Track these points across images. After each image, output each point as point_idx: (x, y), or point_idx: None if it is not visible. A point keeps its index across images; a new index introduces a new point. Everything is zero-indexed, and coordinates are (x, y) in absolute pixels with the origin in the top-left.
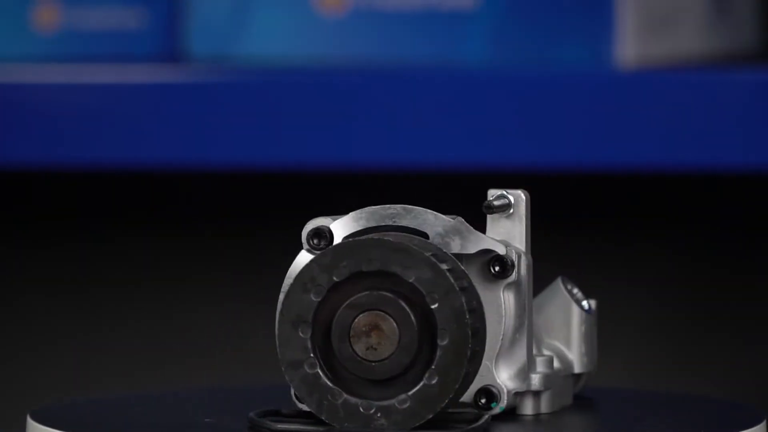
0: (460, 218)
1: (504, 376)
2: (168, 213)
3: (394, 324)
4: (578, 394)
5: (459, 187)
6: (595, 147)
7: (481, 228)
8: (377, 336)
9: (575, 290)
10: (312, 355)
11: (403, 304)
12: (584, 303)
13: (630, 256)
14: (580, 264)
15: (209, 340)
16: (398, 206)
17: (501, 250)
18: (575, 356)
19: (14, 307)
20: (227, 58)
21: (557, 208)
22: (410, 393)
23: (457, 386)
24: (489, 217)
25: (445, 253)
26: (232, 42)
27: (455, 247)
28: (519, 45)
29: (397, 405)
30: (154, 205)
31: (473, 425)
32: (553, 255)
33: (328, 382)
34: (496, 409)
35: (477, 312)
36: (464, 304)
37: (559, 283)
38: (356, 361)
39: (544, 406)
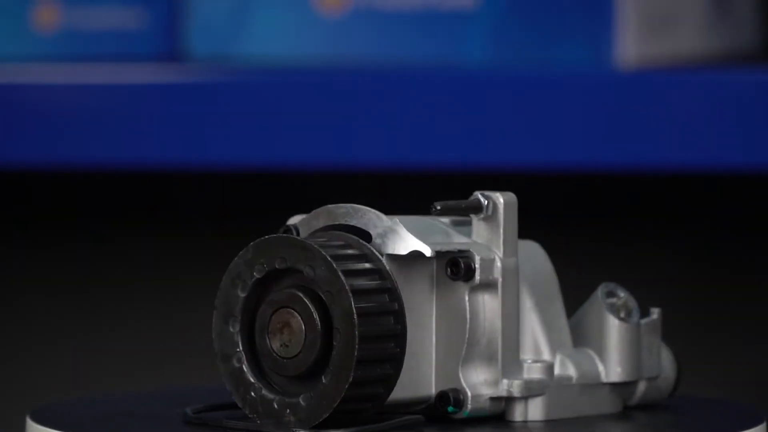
0: (396, 219)
1: (475, 380)
2: (168, 213)
3: (301, 322)
4: (643, 405)
5: (459, 187)
6: (595, 147)
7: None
8: (288, 333)
9: (619, 299)
10: (239, 349)
11: (308, 302)
12: (626, 312)
13: (630, 256)
14: (581, 264)
15: (209, 340)
16: (348, 205)
17: (427, 252)
18: (608, 366)
19: (14, 307)
20: (227, 58)
21: (557, 208)
22: (312, 391)
23: (347, 386)
24: (473, 218)
25: (373, 253)
26: (232, 42)
27: (390, 247)
28: (519, 45)
29: (302, 402)
30: (154, 205)
31: (365, 426)
32: (553, 255)
33: (251, 377)
34: (460, 414)
35: (394, 314)
36: (352, 305)
37: (597, 291)
38: (272, 357)
39: (536, 413)
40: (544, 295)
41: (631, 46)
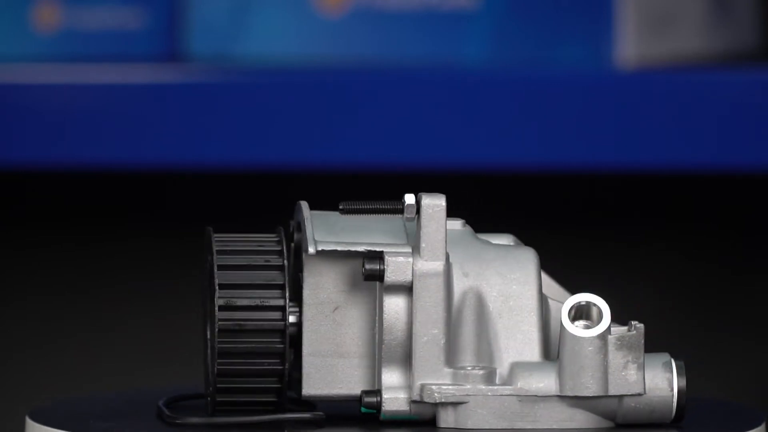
0: (321, 214)
1: (395, 383)
2: (168, 213)
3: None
4: (638, 424)
5: (459, 187)
6: (595, 147)
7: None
8: (210, 324)
9: (585, 309)
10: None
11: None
12: (588, 324)
13: (630, 256)
14: (581, 264)
15: None
16: (300, 201)
17: (311, 249)
18: (562, 378)
19: (14, 307)
20: (227, 58)
21: (557, 208)
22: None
23: (216, 378)
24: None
25: (282, 250)
26: (232, 42)
27: (304, 246)
28: (519, 45)
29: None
30: (154, 205)
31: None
32: (553, 255)
33: (208, 370)
34: (379, 415)
35: (280, 309)
36: (215, 299)
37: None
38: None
39: (465, 421)
40: (516, 304)
41: (631, 46)
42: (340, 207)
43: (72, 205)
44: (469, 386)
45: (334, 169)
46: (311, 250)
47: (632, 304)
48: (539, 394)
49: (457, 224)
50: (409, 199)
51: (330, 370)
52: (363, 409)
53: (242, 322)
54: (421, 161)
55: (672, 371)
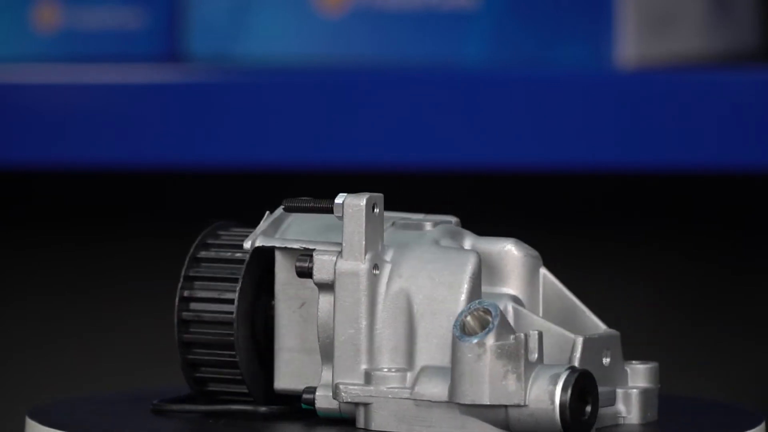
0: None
1: (329, 380)
2: (168, 213)
3: None
4: None
5: (459, 187)
6: (595, 147)
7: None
8: None
9: (477, 316)
10: None
11: None
12: (473, 331)
13: (630, 256)
14: (581, 264)
15: None
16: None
17: (246, 245)
18: (451, 385)
19: (14, 306)
20: (227, 58)
21: (557, 208)
22: None
23: (182, 367)
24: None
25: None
26: (232, 42)
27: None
28: (519, 45)
29: None
30: (154, 205)
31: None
32: (553, 255)
33: None
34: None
35: (226, 302)
36: (177, 292)
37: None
38: None
39: (377, 422)
40: (439, 307)
41: (631, 46)
42: (283, 205)
43: (72, 205)
44: (372, 387)
45: (334, 169)
46: (245, 245)
47: (632, 304)
48: (432, 399)
49: (444, 223)
50: (338, 198)
51: (298, 365)
52: (303, 406)
53: (200, 314)
54: (421, 161)
55: (557, 384)
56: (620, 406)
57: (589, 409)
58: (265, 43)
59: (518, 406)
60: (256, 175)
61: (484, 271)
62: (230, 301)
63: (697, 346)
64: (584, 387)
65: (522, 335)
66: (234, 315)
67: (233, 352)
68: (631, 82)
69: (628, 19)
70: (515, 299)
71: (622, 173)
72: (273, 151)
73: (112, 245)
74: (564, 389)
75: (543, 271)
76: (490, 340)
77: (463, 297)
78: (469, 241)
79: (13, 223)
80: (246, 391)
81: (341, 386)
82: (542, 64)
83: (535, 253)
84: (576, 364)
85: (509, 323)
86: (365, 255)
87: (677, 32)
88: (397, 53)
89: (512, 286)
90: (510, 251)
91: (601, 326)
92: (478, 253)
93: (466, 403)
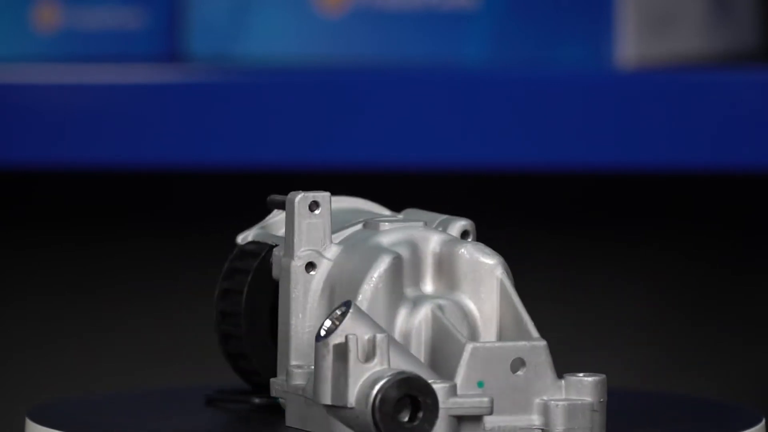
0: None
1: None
2: (168, 213)
3: None
4: None
5: (459, 187)
6: (595, 147)
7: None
8: None
9: (336, 316)
10: None
11: None
12: (325, 331)
13: (630, 256)
14: (581, 264)
15: (209, 339)
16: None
17: (239, 239)
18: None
19: (14, 307)
20: (227, 58)
21: (557, 208)
22: None
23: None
24: None
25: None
26: (232, 42)
27: None
28: (519, 45)
29: None
30: (154, 205)
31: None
32: (554, 255)
33: None
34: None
35: (238, 293)
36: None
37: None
38: None
39: (287, 419)
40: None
41: (631, 46)
42: (267, 200)
43: (72, 205)
44: (283, 384)
45: (334, 169)
46: (238, 239)
47: (632, 304)
48: (308, 397)
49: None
50: (291, 196)
51: (281, 356)
52: (277, 400)
53: (224, 308)
54: (421, 161)
55: (373, 387)
56: (534, 417)
57: (421, 415)
58: (265, 43)
59: (349, 408)
60: (256, 175)
61: (440, 273)
62: (240, 294)
63: (697, 346)
64: (411, 392)
65: (355, 337)
66: (238, 308)
67: (239, 343)
68: (631, 82)
69: (628, 19)
70: (456, 304)
71: (622, 173)
72: (273, 151)
73: (112, 245)
74: (378, 393)
75: (499, 276)
76: (331, 342)
77: (360, 297)
78: (428, 243)
79: (13, 223)
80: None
81: (272, 381)
82: (542, 64)
83: (493, 259)
84: (461, 370)
85: (365, 325)
86: (296, 253)
87: (677, 32)
88: (397, 53)
89: (465, 290)
90: (463, 255)
91: (534, 334)
92: (396, 254)
93: (315, 401)
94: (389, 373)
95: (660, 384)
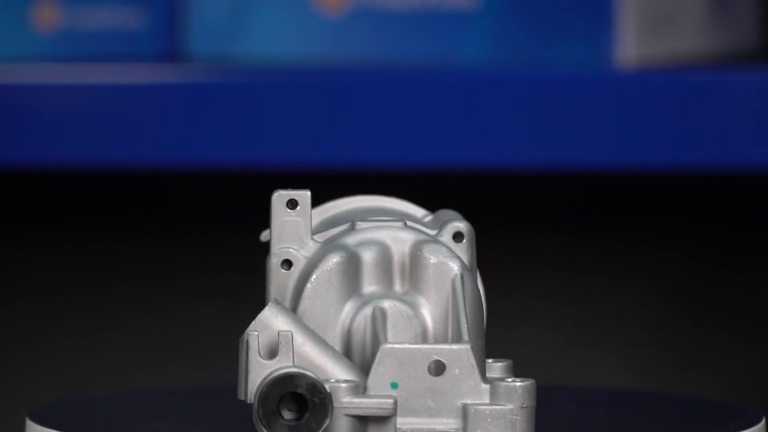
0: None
1: None
2: (168, 213)
3: None
4: None
5: (459, 187)
6: (595, 147)
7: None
8: None
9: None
10: None
11: None
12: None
13: (630, 256)
14: (581, 264)
15: (209, 339)
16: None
17: (262, 238)
18: None
19: (14, 307)
20: (227, 58)
21: (557, 208)
22: None
23: None
24: None
25: None
26: (232, 42)
27: None
28: (519, 45)
29: None
30: (154, 205)
31: None
32: (554, 255)
33: None
34: None
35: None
36: None
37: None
38: None
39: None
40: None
41: (631, 46)
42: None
43: (72, 205)
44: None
45: (334, 169)
46: (262, 237)
47: (632, 304)
48: None
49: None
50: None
51: None
52: None
53: None
54: (421, 161)
55: (259, 383)
56: (453, 421)
57: (307, 413)
58: (265, 43)
59: (249, 404)
60: (256, 175)
61: (404, 274)
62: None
63: (697, 346)
64: (297, 390)
65: (255, 333)
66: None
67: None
68: (631, 82)
69: (628, 19)
70: (407, 306)
71: (622, 173)
72: (273, 151)
73: (112, 245)
74: (261, 389)
75: (452, 278)
76: (244, 338)
77: (303, 295)
78: (399, 243)
79: (13, 223)
80: None
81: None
82: (542, 64)
83: (449, 261)
84: (373, 371)
85: (281, 322)
86: (272, 250)
87: (677, 32)
88: (397, 53)
89: (423, 292)
90: (423, 257)
91: (464, 337)
92: (345, 254)
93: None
94: (280, 371)
95: (660, 384)
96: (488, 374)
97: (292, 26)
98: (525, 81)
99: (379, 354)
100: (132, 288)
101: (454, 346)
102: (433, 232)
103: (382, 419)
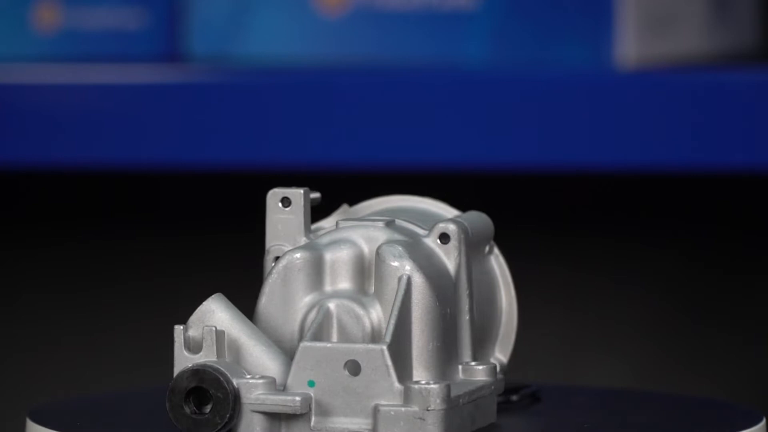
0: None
1: None
2: (167, 213)
3: None
4: None
5: (459, 187)
6: (594, 147)
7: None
8: None
9: None
10: None
11: None
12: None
13: (630, 256)
14: (581, 264)
15: None
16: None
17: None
18: None
19: (14, 307)
20: (227, 58)
21: (557, 208)
22: None
23: None
24: None
25: None
26: (232, 42)
27: None
28: (519, 45)
29: None
30: (154, 205)
31: None
32: (554, 255)
33: None
34: None
35: None
36: None
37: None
38: None
39: None
40: None
41: (631, 46)
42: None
43: (72, 205)
44: None
45: (334, 169)
46: None
47: (632, 304)
48: None
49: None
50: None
51: None
52: None
53: None
54: (421, 161)
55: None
56: (367, 421)
57: (210, 408)
58: (265, 43)
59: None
60: (256, 175)
61: (364, 273)
62: None
63: (697, 346)
64: (202, 385)
65: (180, 328)
66: None
67: None
68: (631, 82)
69: (628, 19)
70: (359, 305)
71: (622, 173)
72: (273, 150)
73: (111, 245)
74: (171, 383)
75: (398, 279)
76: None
77: (261, 294)
78: (370, 243)
79: (13, 223)
80: None
81: None
82: (542, 64)
83: (396, 262)
84: (292, 369)
85: (209, 318)
86: (266, 247)
87: (677, 32)
88: (397, 53)
89: (377, 292)
90: (379, 257)
91: (387, 339)
92: (305, 253)
93: None
94: (193, 365)
95: (660, 384)
96: (468, 377)
97: (292, 26)
98: (525, 81)
99: (297, 352)
100: (132, 288)
101: (370, 347)
102: (423, 233)
103: (296, 417)
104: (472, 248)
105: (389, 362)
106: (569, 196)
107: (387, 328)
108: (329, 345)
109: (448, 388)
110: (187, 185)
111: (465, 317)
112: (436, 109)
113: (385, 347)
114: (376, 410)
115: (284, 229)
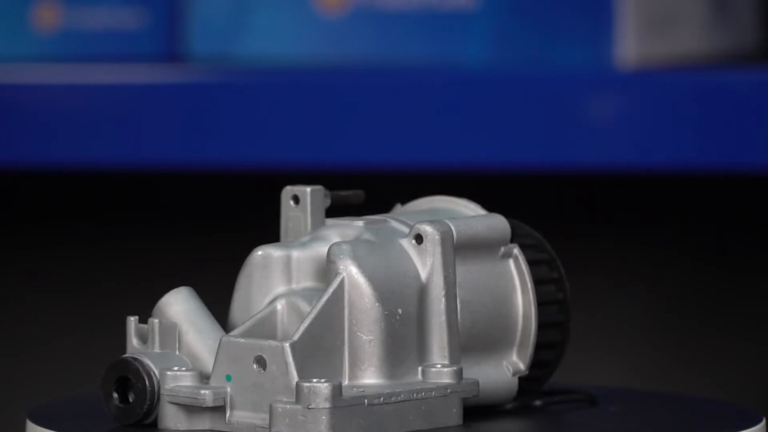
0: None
1: None
2: (167, 213)
3: None
4: None
5: (459, 187)
6: (595, 147)
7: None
8: None
9: None
10: None
11: None
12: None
13: (630, 256)
14: (581, 264)
15: None
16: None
17: None
18: None
19: (14, 307)
20: (227, 58)
21: (557, 208)
22: None
23: None
24: None
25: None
26: (232, 42)
27: None
28: (520, 45)
29: None
30: (154, 204)
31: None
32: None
33: None
34: None
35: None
36: None
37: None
38: None
39: None
40: None
41: (631, 46)
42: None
43: (71, 205)
44: None
45: (334, 169)
46: None
47: (632, 304)
48: None
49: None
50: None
51: None
52: None
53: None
54: (421, 161)
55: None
56: (265, 415)
57: (131, 397)
58: (265, 43)
59: None
60: (256, 175)
61: (322, 271)
62: None
63: (697, 346)
64: (127, 374)
65: (132, 319)
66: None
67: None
68: (631, 82)
69: (628, 19)
70: (304, 302)
71: (622, 173)
72: (273, 151)
73: (112, 245)
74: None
75: (334, 276)
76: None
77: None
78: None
79: (13, 223)
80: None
81: None
82: (543, 64)
83: (332, 259)
84: (215, 363)
85: (166, 311)
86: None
87: (677, 32)
88: (397, 53)
89: (321, 289)
90: (325, 256)
91: (295, 337)
92: (270, 251)
93: None
94: (123, 356)
95: (660, 384)
96: (433, 380)
97: (292, 26)
98: (525, 81)
99: (218, 346)
100: (132, 288)
101: (273, 343)
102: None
103: (215, 410)
104: (469, 251)
105: (290, 359)
106: (569, 196)
107: (300, 326)
108: (242, 340)
109: (337, 388)
110: (187, 185)
111: (438, 319)
112: (436, 110)
113: (287, 344)
114: (271, 406)
115: (294, 226)
